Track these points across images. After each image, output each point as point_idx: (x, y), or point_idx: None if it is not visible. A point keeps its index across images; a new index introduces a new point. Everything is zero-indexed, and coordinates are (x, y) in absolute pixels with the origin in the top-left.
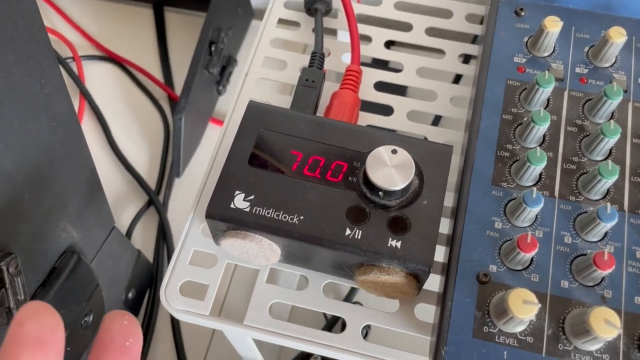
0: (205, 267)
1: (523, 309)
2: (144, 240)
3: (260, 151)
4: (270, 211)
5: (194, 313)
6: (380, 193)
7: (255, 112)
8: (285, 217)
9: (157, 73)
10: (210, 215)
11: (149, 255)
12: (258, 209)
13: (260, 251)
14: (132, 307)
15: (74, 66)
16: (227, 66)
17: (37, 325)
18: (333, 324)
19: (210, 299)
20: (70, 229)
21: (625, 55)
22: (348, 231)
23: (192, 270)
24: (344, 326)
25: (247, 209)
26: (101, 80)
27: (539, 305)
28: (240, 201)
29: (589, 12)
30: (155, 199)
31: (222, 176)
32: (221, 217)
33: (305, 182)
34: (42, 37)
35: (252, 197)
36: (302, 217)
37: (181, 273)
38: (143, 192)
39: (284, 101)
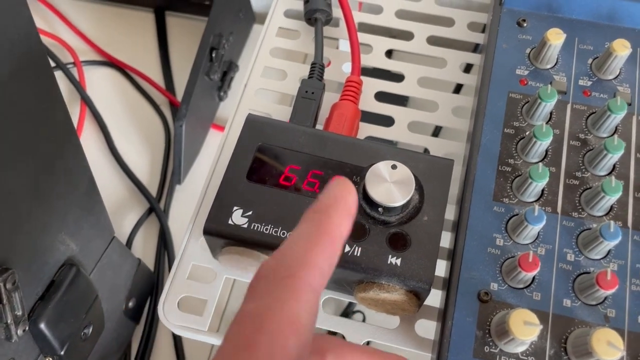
0: (205, 280)
1: (524, 330)
2: (144, 248)
3: (258, 166)
4: (269, 227)
5: (193, 329)
6: (380, 209)
7: (253, 126)
8: (283, 233)
9: (159, 78)
10: (207, 231)
11: (150, 262)
12: (256, 225)
13: (258, 267)
14: (133, 316)
15: (74, 71)
16: (228, 72)
17: (353, 200)
18: None
19: (209, 315)
20: (69, 241)
21: (630, 67)
22: (347, 248)
23: (191, 285)
24: None
25: (245, 225)
26: (102, 85)
27: (541, 327)
28: (238, 217)
29: (592, 23)
30: (156, 206)
31: (220, 191)
32: (219, 234)
33: (304, 197)
34: (38, 50)
35: (250, 212)
36: None
37: (179, 288)
38: (144, 199)
39: (284, 112)
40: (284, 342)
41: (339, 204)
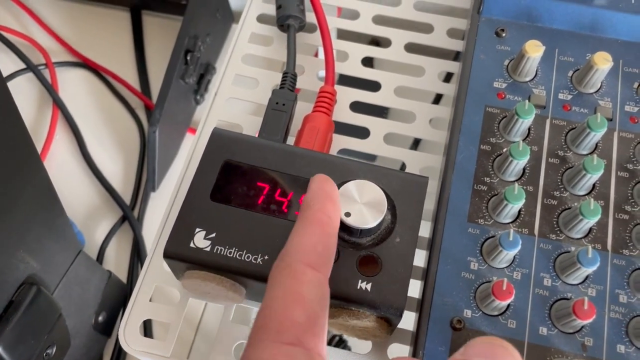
0: (173, 300)
1: None
2: (117, 258)
3: (223, 184)
4: (233, 251)
5: (155, 355)
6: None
7: (219, 141)
8: (248, 257)
9: (134, 80)
10: (168, 254)
11: (124, 273)
12: (220, 248)
13: (222, 291)
14: (104, 330)
15: (46, 73)
16: (205, 74)
17: (332, 187)
18: None
19: (172, 339)
20: (29, 259)
21: (611, 80)
22: None
23: (154, 308)
24: None
25: (208, 249)
26: (75, 88)
27: None
28: (200, 240)
29: (573, 33)
30: (129, 215)
31: (182, 212)
32: (180, 257)
33: (271, 219)
34: None
35: (213, 235)
36: (266, 257)
37: (141, 311)
38: (117, 206)
39: (256, 123)
40: (291, 314)
41: (318, 194)
